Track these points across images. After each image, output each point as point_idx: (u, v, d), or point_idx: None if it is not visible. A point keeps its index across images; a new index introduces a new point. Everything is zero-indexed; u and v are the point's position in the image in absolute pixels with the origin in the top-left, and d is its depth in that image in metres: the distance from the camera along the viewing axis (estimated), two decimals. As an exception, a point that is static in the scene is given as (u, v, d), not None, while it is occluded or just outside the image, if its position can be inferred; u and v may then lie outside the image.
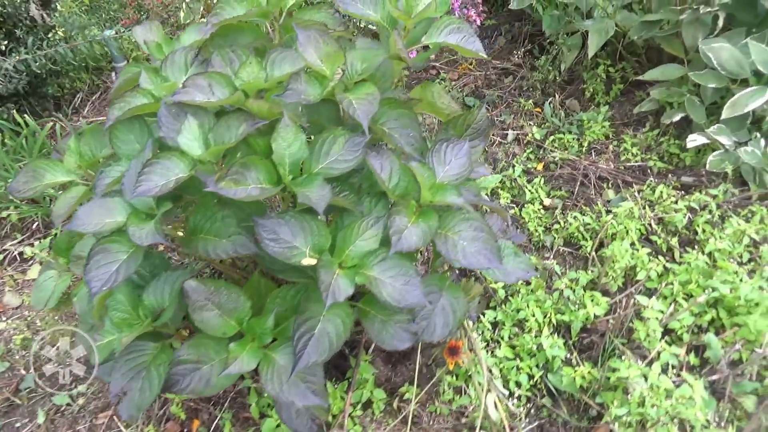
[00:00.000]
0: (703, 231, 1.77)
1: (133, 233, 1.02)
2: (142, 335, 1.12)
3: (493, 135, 2.36)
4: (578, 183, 2.10)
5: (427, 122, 2.38)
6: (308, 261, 1.04)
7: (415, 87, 1.40)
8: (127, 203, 1.09)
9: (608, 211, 1.93)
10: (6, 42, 2.21)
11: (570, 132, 2.29)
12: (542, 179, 2.10)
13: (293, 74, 1.15)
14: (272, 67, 1.24)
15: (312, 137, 1.43)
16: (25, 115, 2.10)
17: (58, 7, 2.41)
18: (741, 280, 1.54)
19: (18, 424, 1.50)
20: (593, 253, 1.78)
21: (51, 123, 2.29)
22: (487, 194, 2.08)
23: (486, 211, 1.93)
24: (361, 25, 2.44)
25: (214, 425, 1.45)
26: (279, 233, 1.06)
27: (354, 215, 1.13)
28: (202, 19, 2.60)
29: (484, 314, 1.64)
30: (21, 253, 1.97)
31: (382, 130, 1.22)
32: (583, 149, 2.22)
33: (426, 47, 1.33)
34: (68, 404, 1.53)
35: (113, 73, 2.88)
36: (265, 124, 1.10)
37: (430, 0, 1.22)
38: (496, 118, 2.44)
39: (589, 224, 1.86)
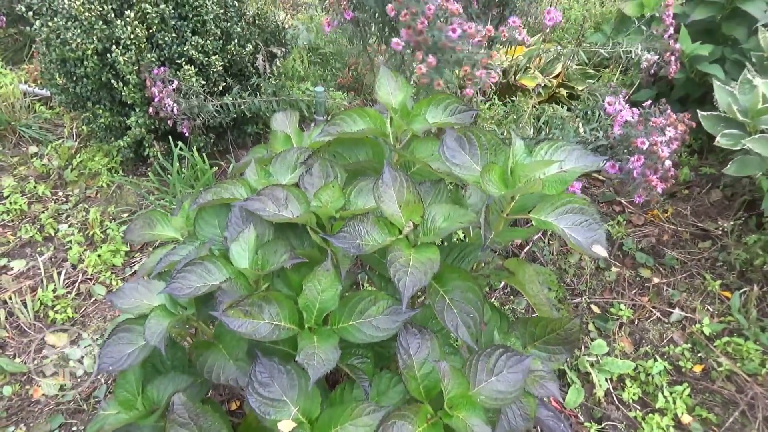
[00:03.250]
0: None
1: (149, 326, 1.03)
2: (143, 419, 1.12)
3: (653, 308, 1.96)
4: (738, 411, 1.62)
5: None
6: (285, 426, 0.93)
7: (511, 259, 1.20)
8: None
9: (764, 469, 1.45)
10: (224, 84, 2.53)
11: (756, 340, 1.80)
12: (690, 388, 1.67)
13: (359, 215, 1.06)
14: (357, 195, 1.18)
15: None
16: (203, 154, 2.36)
17: (278, 63, 2.69)
18: None
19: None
20: None
21: (224, 164, 2.55)
22: (610, 379, 1.72)
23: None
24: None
25: None
26: (274, 380, 0.98)
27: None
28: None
29: None
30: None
31: (443, 297, 1.06)
32: (764, 369, 1.72)
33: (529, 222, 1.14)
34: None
35: (312, 123, 3.11)
36: (306, 262, 1.03)
37: (542, 177, 1.04)
38: (666, 288, 2.04)
39: (721, 479, 1.41)
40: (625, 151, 1.69)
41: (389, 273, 0.97)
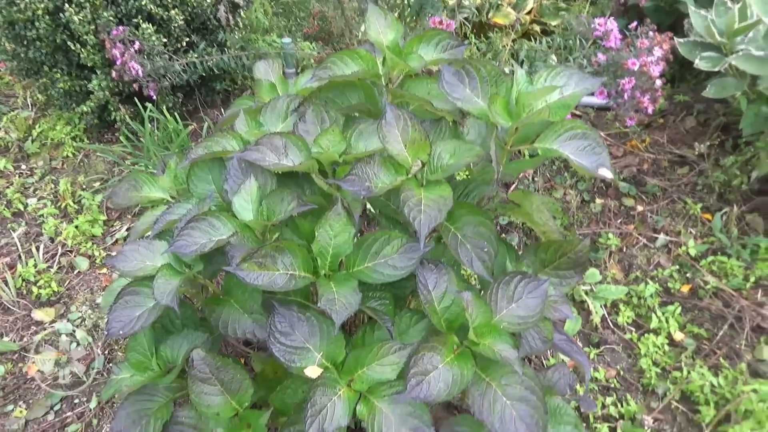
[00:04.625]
0: None
1: (158, 286, 1.00)
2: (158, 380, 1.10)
3: (639, 234, 2.01)
4: (726, 325, 1.69)
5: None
6: (312, 371, 0.93)
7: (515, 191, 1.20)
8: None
9: (754, 375, 1.53)
10: (187, 39, 2.41)
11: (738, 257, 1.87)
12: (680, 307, 1.74)
13: (365, 157, 1.03)
14: (358, 138, 1.15)
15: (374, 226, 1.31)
16: (176, 114, 2.27)
17: (242, 14, 2.57)
18: None
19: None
20: (711, 427, 1.41)
21: (195, 124, 2.46)
22: (605, 305, 1.78)
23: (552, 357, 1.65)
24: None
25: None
26: (295, 329, 0.96)
27: (385, 331, 0.99)
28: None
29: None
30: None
31: (455, 234, 1.06)
32: (748, 284, 1.79)
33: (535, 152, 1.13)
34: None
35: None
36: (315, 208, 1.01)
37: (545, 104, 1.03)
38: (649, 215, 2.09)
39: (718, 388, 1.48)
40: (612, 76, 1.70)
41: (403, 213, 0.96)
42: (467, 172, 1.93)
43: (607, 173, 1.01)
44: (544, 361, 1.64)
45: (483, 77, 1.11)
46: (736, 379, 1.50)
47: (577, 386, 1.52)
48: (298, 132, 1.17)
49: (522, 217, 1.20)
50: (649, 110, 1.69)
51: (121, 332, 1.02)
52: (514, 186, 2.20)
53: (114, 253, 1.35)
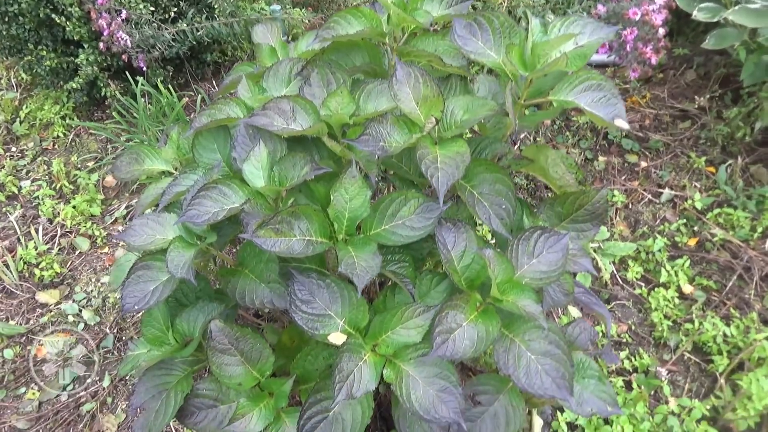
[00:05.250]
0: None
1: (171, 259, 0.97)
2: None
3: (643, 190, 2.00)
4: (735, 276, 1.70)
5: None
6: (336, 338, 0.91)
7: (530, 146, 1.17)
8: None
9: (766, 324, 1.54)
10: (175, 9, 2.34)
11: (744, 208, 1.86)
12: (689, 260, 1.74)
13: (377, 117, 1.00)
14: (366, 99, 1.11)
15: (388, 188, 1.29)
16: (169, 86, 2.21)
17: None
18: None
19: None
20: (725, 375, 1.43)
21: (187, 98, 2.41)
22: (614, 261, 1.77)
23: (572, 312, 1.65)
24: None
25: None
26: (315, 296, 0.95)
27: (406, 294, 0.98)
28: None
29: (563, 410, 1.40)
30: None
31: (471, 193, 1.04)
32: (755, 234, 1.79)
33: (550, 103, 1.10)
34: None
35: (272, 47, 2.94)
36: (328, 172, 0.98)
37: (561, 53, 0.99)
38: (654, 170, 2.07)
39: (730, 338, 1.49)
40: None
41: (420, 171, 0.93)
42: (469, 134, 1.91)
43: (623, 124, 0.99)
44: (557, 319, 1.64)
45: (495, 29, 1.07)
46: (748, 328, 1.51)
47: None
48: (303, 96, 1.13)
49: (536, 173, 1.18)
50: (653, 61, 1.66)
51: (135, 307, 0.99)
52: (517, 145, 2.18)
53: (121, 229, 1.32)
